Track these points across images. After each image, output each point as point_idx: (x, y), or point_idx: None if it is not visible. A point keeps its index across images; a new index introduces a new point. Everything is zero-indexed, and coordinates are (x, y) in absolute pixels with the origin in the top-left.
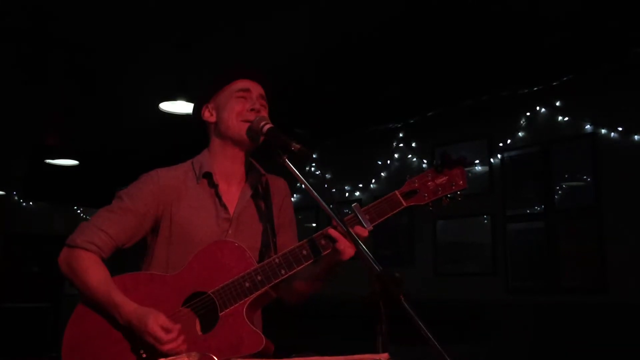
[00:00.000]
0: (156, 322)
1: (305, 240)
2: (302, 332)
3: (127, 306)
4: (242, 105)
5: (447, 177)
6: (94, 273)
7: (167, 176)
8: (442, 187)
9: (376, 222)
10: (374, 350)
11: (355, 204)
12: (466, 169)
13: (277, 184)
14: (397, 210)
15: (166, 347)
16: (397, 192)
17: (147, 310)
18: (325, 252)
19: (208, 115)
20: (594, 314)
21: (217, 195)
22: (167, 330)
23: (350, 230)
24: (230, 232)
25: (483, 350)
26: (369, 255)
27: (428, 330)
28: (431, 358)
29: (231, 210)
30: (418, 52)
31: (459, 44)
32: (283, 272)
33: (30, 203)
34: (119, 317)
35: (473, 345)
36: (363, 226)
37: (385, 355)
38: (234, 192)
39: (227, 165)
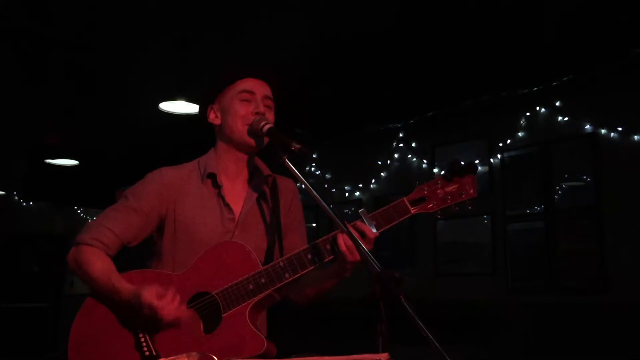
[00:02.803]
0: (150, 292)
1: (311, 244)
2: (302, 332)
3: (125, 288)
4: (246, 109)
5: (457, 185)
6: (96, 264)
7: (171, 175)
8: (452, 196)
9: (383, 229)
10: (374, 350)
11: (362, 209)
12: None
13: (285, 184)
14: (404, 217)
15: (164, 312)
16: (405, 199)
17: (141, 286)
18: (330, 257)
19: (213, 117)
20: (593, 313)
21: (221, 196)
22: (161, 296)
23: (353, 232)
24: (236, 232)
25: (483, 350)
26: (369, 256)
27: (428, 330)
28: (431, 358)
29: (237, 210)
30: (418, 52)
31: (459, 44)
32: (287, 275)
33: (30, 203)
34: (120, 301)
35: (473, 345)
36: (370, 232)
37: (385, 355)
38: (239, 192)
39: (232, 166)
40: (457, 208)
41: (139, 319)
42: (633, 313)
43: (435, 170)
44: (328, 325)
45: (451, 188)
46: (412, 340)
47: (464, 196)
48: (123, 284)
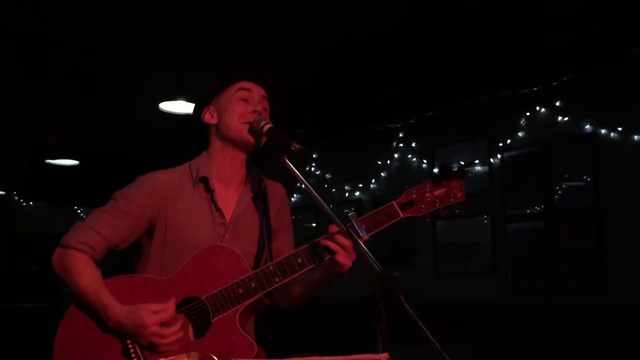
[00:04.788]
0: (152, 317)
1: (301, 247)
2: (302, 331)
3: (115, 307)
4: (244, 108)
5: (445, 189)
6: (84, 274)
7: (162, 179)
8: (440, 199)
9: (372, 232)
10: (374, 350)
11: (352, 213)
12: (465, 169)
13: (275, 189)
14: (393, 221)
15: (167, 341)
16: (394, 202)
17: (135, 306)
18: (322, 261)
19: (209, 117)
20: (593, 314)
21: (213, 201)
22: (167, 325)
23: (350, 232)
24: (226, 237)
25: (483, 350)
26: (369, 256)
27: (428, 330)
28: (431, 358)
29: (228, 215)
30: (418, 52)
31: (459, 44)
32: (277, 279)
33: (30, 203)
34: (107, 319)
35: (473, 345)
36: (359, 235)
37: (385, 355)
38: (231, 196)
39: (226, 168)
40: (445, 212)
41: (126, 336)
42: (633, 313)
43: (435, 170)
44: (328, 325)
45: (440, 192)
46: (412, 340)
47: (452, 200)
48: (111, 302)
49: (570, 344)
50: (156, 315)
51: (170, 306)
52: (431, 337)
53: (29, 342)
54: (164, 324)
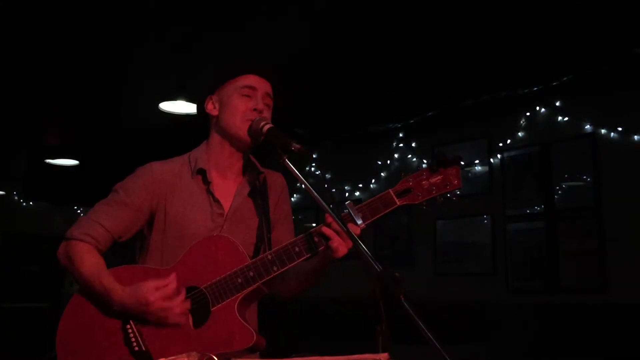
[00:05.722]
0: (155, 294)
1: (298, 237)
2: (302, 332)
3: (118, 289)
4: (246, 105)
5: (441, 177)
6: (87, 261)
7: (161, 169)
8: (436, 187)
9: (369, 221)
10: (374, 350)
11: (348, 201)
12: (465, 169)
13: (274, 178)
14: (390, 209)
15: (173, 313)
16: (391, 190)
17: (135, 286)
18: (319, 249)
19: (211, 107)
20: (593, 314)
21: (210, 192)
22: (168, 297)
23: (350, 232)
24: (224, 227)
25: (483, 350)
26: (369, 255)
27: (428, 330)
28: (431, 358)
29: (226, 205)
30: (418, 52)
31: (459, 44)
32: (275, 268)
33: (30, 203)
34: (111, 303)
35: (473, 345)
36: (356, 224)
37: (385, 355)
38: (230, 187)
39: (224, 160)
40: (441, 199)
41: (132, 317)
42: (633, 313)
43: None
44: (328, 325)
45: (436, 179)
46: (412, 340)
47: (448, 187)
48: (114, 285)
49: (570, 344)
50: (159, 292)
51: (171, 280)
52: (431, 337)
53: (29, 342)
54: (167, 298)
